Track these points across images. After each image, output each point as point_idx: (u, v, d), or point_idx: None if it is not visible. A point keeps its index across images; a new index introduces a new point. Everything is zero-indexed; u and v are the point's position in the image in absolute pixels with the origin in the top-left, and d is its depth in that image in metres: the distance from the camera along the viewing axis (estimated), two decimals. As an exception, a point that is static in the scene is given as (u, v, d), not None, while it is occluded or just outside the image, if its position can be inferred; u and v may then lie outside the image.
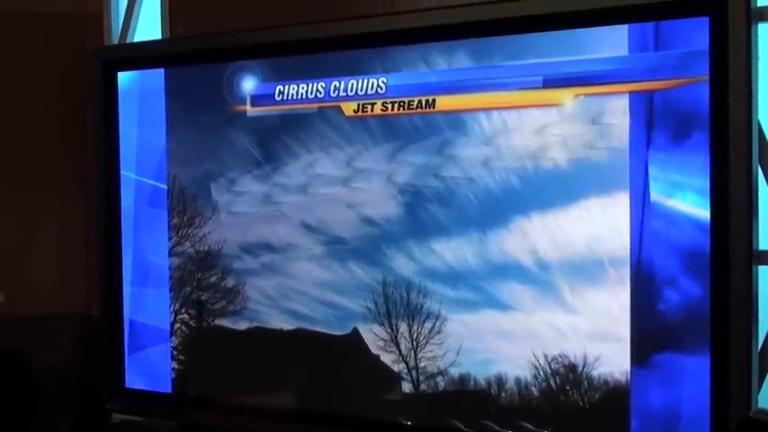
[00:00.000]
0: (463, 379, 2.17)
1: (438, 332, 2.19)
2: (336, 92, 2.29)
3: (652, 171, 1.92)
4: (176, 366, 2.62)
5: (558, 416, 2.05)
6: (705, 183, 1.86)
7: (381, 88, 2.23)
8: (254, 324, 2.46)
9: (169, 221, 2.59)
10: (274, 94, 2.38)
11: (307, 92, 2.33)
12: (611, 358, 1.98)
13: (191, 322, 2.59)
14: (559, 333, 2.04)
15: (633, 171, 1.94)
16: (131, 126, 2.64)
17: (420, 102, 2.18)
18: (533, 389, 2.08)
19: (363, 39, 2.26)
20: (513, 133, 2.07)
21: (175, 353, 2.62)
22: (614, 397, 1.98)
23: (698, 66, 1.86)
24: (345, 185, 2.29)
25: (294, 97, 2.35)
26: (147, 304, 2.65)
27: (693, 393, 1.88)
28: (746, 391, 1.84)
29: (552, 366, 2.05)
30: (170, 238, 2.59)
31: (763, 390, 1.89)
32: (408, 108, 2.20)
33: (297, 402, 2.41)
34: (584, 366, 2.01)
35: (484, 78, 2.10)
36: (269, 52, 2.40)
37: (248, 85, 2.42)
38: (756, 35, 1.85)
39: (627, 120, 1.94)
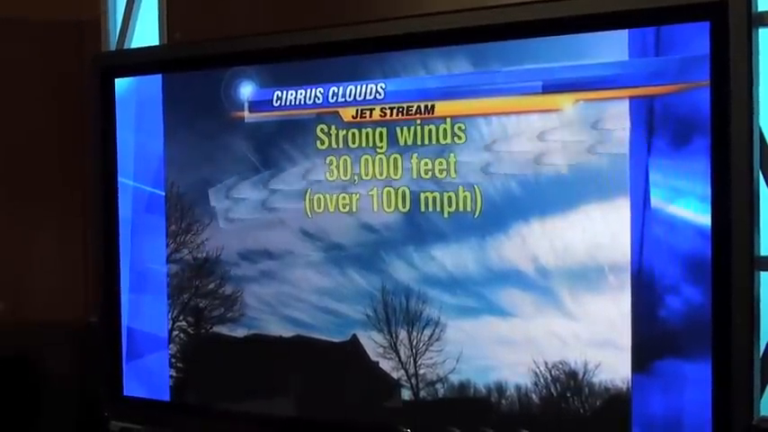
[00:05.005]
0: (463, 386, 2.16)
1: (437, 339, 2.18)
2: (335, 97, 2.28)
3: (653, 177, 1.91)
4: (174, 374, 2.61)
5: (559, 423, 2.04)
6: (706, 188, 1.85)
7: (380, 94, 2.22)
8: (253, 331, 2.45)
9: (167, 228, 2.58)
10: (272, 100, 2.37)
11: (305, 97, 2.32)
12: (612, 365, 1.97)
13: (189, 329, 2.58)
14: (560, 340, 2.03)
15: (634, 177, 1.93)
16: (129, 133, 2.63)
17: (419, 107, 2.17)
18: (534, 396, 2.06)
19: (361, 44, 2.25)
20: (512, 139, 2.06)
21: (173, 360, 2.61)
22: (615, 404, 1.97)
23: (699, 71, 1.85)
24: (344, 191, 2.28)
25: (292, 103, 2.34)
26: (145, 312, 2.64)
27: (695, 401, 1.87)
28: (749, 398, 1.82)
29: (553, 373, 2.04)
30: (168, 245, 2.58)
31: (765, 397, 1.88)
32: (407, 113, 2.18)
33: (295, 409, 2.40)
34: (584, 373, 2.00)
35: (483, 84, 2.09)
36: (267, 58, 2.39)
37: (246, 91, 2.41)
38: (757, 40, 1.84)
39: (627, 125, 1.93)
